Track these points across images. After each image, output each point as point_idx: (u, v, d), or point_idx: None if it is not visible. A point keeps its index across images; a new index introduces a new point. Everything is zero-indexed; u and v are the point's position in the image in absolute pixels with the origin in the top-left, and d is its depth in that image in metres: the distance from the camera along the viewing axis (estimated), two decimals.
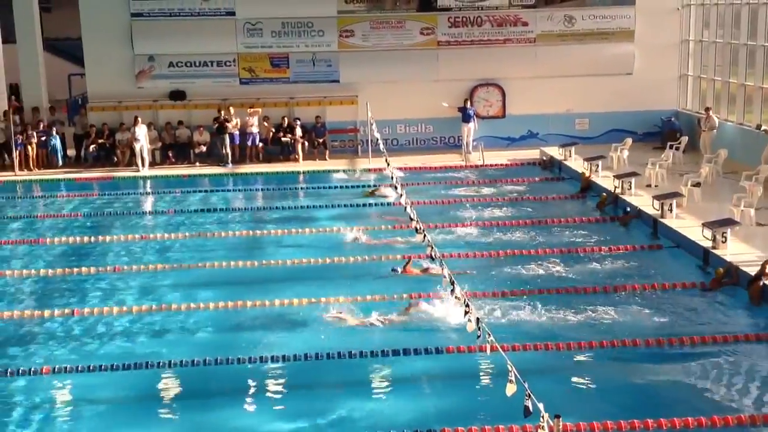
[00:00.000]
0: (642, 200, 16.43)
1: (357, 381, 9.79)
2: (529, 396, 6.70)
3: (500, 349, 7.82)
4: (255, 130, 23.23)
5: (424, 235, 12.07)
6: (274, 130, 23.68)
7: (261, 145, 23.52)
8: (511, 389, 7.16)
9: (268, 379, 9.86)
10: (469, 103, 23.62)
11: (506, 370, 7.21)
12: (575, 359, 10.22)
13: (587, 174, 18.98)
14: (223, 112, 22.95)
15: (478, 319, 8.59)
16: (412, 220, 12.94)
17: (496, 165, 22.09)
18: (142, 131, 22.22)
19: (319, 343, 10.61)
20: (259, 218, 17.39)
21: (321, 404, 9.17)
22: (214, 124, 22.88)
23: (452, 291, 9.68)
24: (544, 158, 22.04)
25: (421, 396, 9.57)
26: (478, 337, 8.44)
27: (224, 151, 22.82)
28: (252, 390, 9.63)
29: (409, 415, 8.89)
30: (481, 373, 9.81)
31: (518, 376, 7.07)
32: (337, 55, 24.05)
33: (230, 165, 22.80)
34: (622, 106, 23.89)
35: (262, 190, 20.65)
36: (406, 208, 13.63)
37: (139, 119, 22.37)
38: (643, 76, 23.94)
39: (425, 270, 13.21)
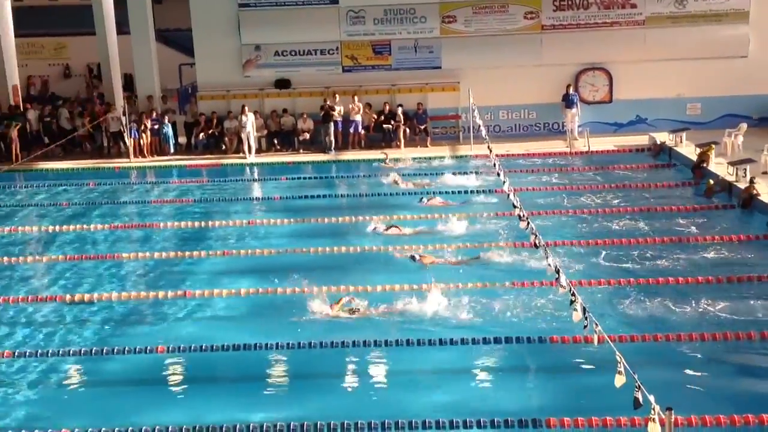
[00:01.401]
0: (759, 188, 15.72)
1: (461, 368, 9.78)
2: (639, 388, 6.54)
3: (608, 340, 7.67)
4: (358, 118, 23.44)
5: (528, 223, 11.93)
6: (376, 117, 23.85)
7: (363, 132, 23.72)
8: (620, 380, 7.01)
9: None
10: (572, 88, 23.15)
11: (614, 360, 7.06)
12: (686, 351, 9.89)
13: (704, 160, 18.18)
14: (328, 100, 23.26)
15: (584, 308, 8.43)
16: (515, 207, 12.80)
17: (602, 151, 21.57)
18: (249, 119, 22.75)
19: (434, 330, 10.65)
20: (359, 204, 17.52)
21: (429, 390, 9.22)
22: (320, 112, 23.21)
23: (557, 279, 9.54)
24: (654, 144, 21.38)
25: (525, 386, 9.48)
26: (585, 327, 8.30)
27: (328, 138, 23.13)
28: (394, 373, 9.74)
29: (513, 404, 8.82)
30: (587, 364, 9.63)
31: (627, 367, 6.92)
32: (439, 41, 23.96)
33: (333, 152, 23.09)
34: (737, 90, 22.89)
35: (363, 176, 20.75)
36: (509, 195, 13.49)
37: (246, 108, 22.91)
38: (758, 58, 22.93)
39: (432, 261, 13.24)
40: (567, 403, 8.77)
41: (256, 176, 21.51)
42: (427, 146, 23.52)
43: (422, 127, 23.70)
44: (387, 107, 23.70)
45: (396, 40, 24.00)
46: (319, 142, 23.48)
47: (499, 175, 15.09)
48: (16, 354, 9.98)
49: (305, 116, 23.66)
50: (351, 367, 9.93)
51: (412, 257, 13.29)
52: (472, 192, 17.83)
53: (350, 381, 9.71)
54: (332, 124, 23.10)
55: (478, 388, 9.43)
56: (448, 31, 23.88)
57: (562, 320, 10.28)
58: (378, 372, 9.87)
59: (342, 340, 10.21)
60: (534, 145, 22.46)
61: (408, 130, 23.59)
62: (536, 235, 11.21)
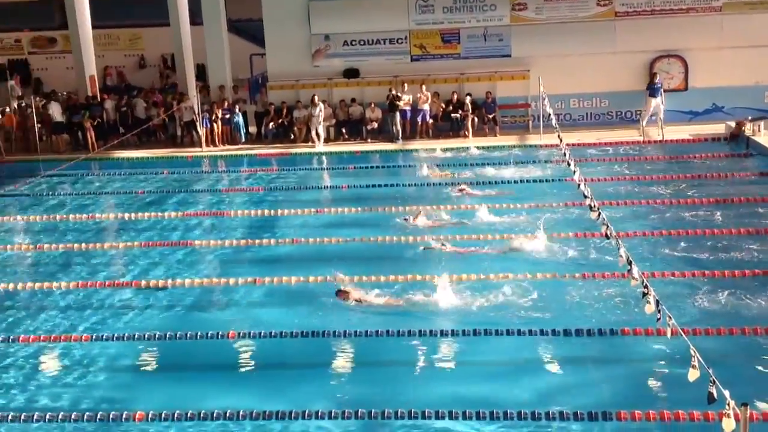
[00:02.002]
0: None
1: (530, 360, 9.70)
2: (714, 382, 6.38)
3: (681, 333, 7.48)
4: (426, 107, 23.38)
5: (599, 213, 11.72)
6: (444, 106, 23.74)
7: (431, 121, 23.66)
8: (693, 374, 6.84)
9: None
10: (657, 77, 22.58)
11: (688, 354, 6.89)
12: (763, 345, 9.59)
13: None
14: (394, 90, 23.26)
15: (657, 301, 8.25)
16: (586, 197, 12.59)
17: (677, 140, 21.05)
18: (318, 109, 22.91)
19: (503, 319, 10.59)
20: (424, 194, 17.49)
21: (499, 381, 9.20)
22: (386, 102, 23.24)
23: (629, 271, 9.35)
24: (731, 133, 20.75)
25: (595, 378, 9.33)
26: (658, 319, 8.12)
27: (395, 127, 23.16)
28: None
29: (584, 397, 8.69)
30: (659, 357, 9.43)
31: (701, 360, 6.75)
32: (509, 29, 23.72)
33: (401, 141, 23.10)
34: None
35: (437, 166, 20.58)
36: (580, 185, 13.28)
37: (317, 97, 23.08)
38: None
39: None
40: (638, 397, 8.61)
41: (324, 165, 21.68)
42: (495, 135, 23.33)
43: (491, 117, 23.51)
44: (455, 96, 23.57)
45: (465, 28, 23.85)
46: (387, 131, 23.52)
47: (569, 164, 14.87)
48: (93, 337, 10.26)
49: (373, 105, 23.72)
50: (428, 356, 9.90)
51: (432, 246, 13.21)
52: (539, 181, 17.63)
53: (427, 370, 9.69)
54: (398, 113, 23.11)
55: (548, 380, 9.32)
56: (518, 18, 23.60)
57: (634, 312, 10.10)
58: (448, 362, 9.84)
59: (420, 328, 10.19)
60: (606, 135, 22.06)
61: (476, 120, 23.44)
62: (608, 226, 11.00)
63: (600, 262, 12.23)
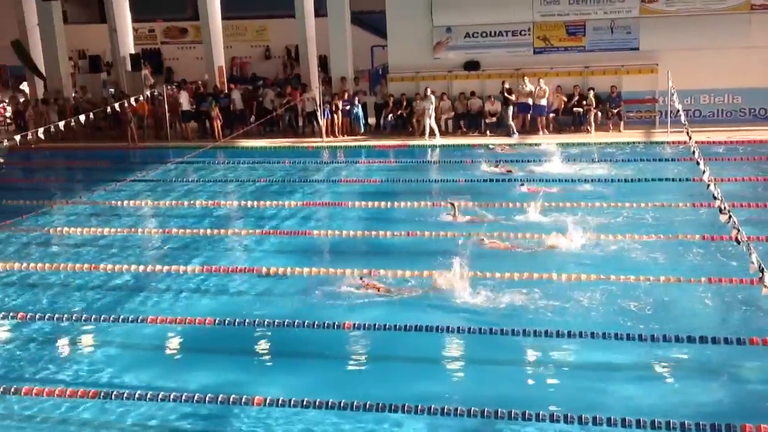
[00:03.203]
0: None
1: (653, 367, 9.41)
2: None
3: None
4: (544, 101, 22.96)
5: (729, 216, 11.20)
6: (566, 100, 23.26)
7: (552, 115, 23.23)
8: None
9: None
10: None
11: None
12: None
13: None
14: (506, 83, 23.00)
15: None
16: (715, 199, 12.05)
17: None
18: (429, 102, 22.88)
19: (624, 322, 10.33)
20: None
21: (620, 387, 8.98)
22: (499, 95, 23.02)
23: (761, 278, 8.90)
24: None
25: (719, 388, 8.95)
26: None
27: (509, 121, 22.90)
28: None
29: (707, 407, 8.36)
30: None
31: None
32: (638, 21, 23.01)
33: (516, 135, 22.80)
34: None
35: (545, 161, 20.22)
36: (709, 185, 12.72)
37: (429, 90, 23.04)
38: None
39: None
40: (766, 410, 8.21)
41: (440, 158, 21.63)
42: (619, 131, 22.72)
43: (615, 111, 22.89)
44: (577, 90, 23.05)
45: (591, 20, 23.30)
46: (506, 125, 23.26)
47: (698, 163, 14.26)
48: (216, 321, 10.61)
49: (492, 99, 23.51)
50: (550, 357, 9.75)
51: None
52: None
53: (547, 372, 9.58)
54: (512, 107, 22.83)
55: (670, 388, 9.01)
56: (647, 10, 22.85)
57: (764, 321, 9.63)
58: (571, 364, 9.65)
59: (534, 329, 10.02)
60: (738, 133, 21.08)
61: (600, 114, 22.85)
62: (738, 230, 10.50)
63: (727, 268, 11.71)
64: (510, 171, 18.45)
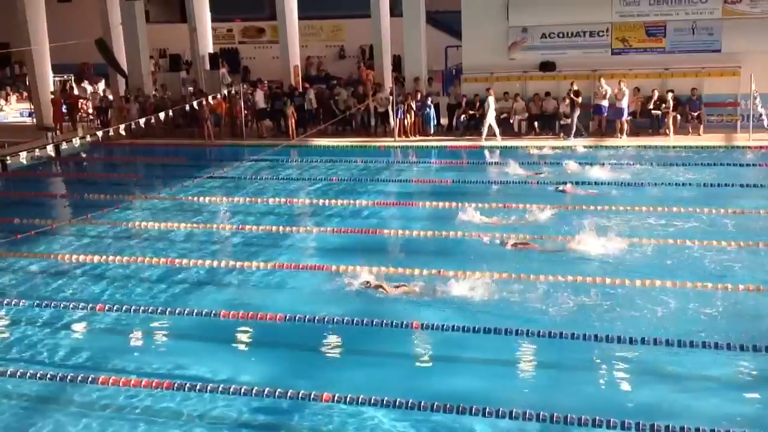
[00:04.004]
0: None
1: (728, 375, 9.16)
2: None
3: None
4: (624, 104, 22.51)
5: None
6: (644, 102, 22.79)
7: (629, 118, 22.78)
8: None
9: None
10: None
11: None
12: None
13: None
14: (575, 84, 22.68)
15: None
16: None
17: None
18: (487, 103, 22.72)
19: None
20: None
21: (694, 396, 8.78)
22: (566, 98, 22.73)
23: None
24: None
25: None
26: None
27: (574, 123, 22.62)
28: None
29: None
30: None
31: None
32: (720, 23, 22.39)
33: (577, 137, 22.48)
34: None
35: (605, 165, 19.77)
36: None
37: (490, 90, 22.84)
38: None
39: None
40: None
41: (511, 159, 21.37)
42: (699, 135, 22.14)
43: (695, 114, 22.31)
44: (656, 93, 22.55)
45: (672, 21, 22.78)
46: (571, 126, 23.02)
47: None
48: (287, 318, 10.73)
49: (567, 100, 23.16)
50: (633, 364, 9.59)
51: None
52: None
53: (619, 379, 9.45)
54: (578, 109, 22.53)
55: (712, 397, 8.78)
56: (731, 12, 22.20)
57: None
58: (649, 371, 9.46)
59: (619, 335, 9.87)
60: None
61: (679, 117, 22.31)
62: None
63: None
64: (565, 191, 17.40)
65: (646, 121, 22.87)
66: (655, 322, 10.35)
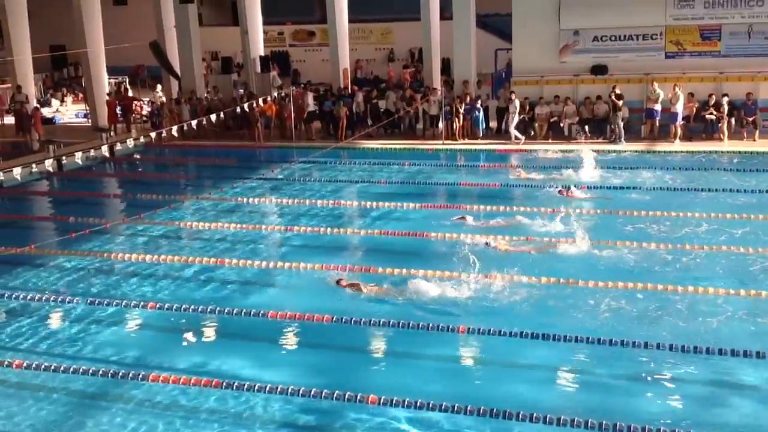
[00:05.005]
0: None
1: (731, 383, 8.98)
2: None
3: None
4: (679, 108, 22.14)
5: None
6: (697, 106, 22.41)
7: (682, 123, 22.41)
8: None
9: None
10: None
11: None
12: None
13: None
14: (617, 88, 22.41)
15: None
16: None
17: None
18: (512, 106, 22.83)
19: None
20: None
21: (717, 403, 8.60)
22: (608, 101, 22.48)
23: None
24: None
25: None
26: None
27: (615, 127, 22.33)
28: None
29: None
30: None
31: None
32: None
33: (622, 142, 22.17)
34: None
35: (681, 169, 19.48)
36: None
37: (513, 94, 22.86)
38: None
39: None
40: None
41: (564, 164, 21.18)
42: (754, 140, 21.69)
43: (750, 120, 21.85)
44: (713, 97, 22.15)
45: (728, 24, 22.35)
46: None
47: None
48: (333, 319, 10.79)
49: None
50: (650, 373, 9.51)
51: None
52: None
53: (651, 387, 9.32)
54: (620, 113, 22.24)
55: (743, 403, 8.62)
56: None
57: None
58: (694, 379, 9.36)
59: (646, 341, 9.78)
60: None
61: (733, 122, 21.88)
62: None
63: None
64: (570, 195, 17.18)
65: (700, 126, 22.48)
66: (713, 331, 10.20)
